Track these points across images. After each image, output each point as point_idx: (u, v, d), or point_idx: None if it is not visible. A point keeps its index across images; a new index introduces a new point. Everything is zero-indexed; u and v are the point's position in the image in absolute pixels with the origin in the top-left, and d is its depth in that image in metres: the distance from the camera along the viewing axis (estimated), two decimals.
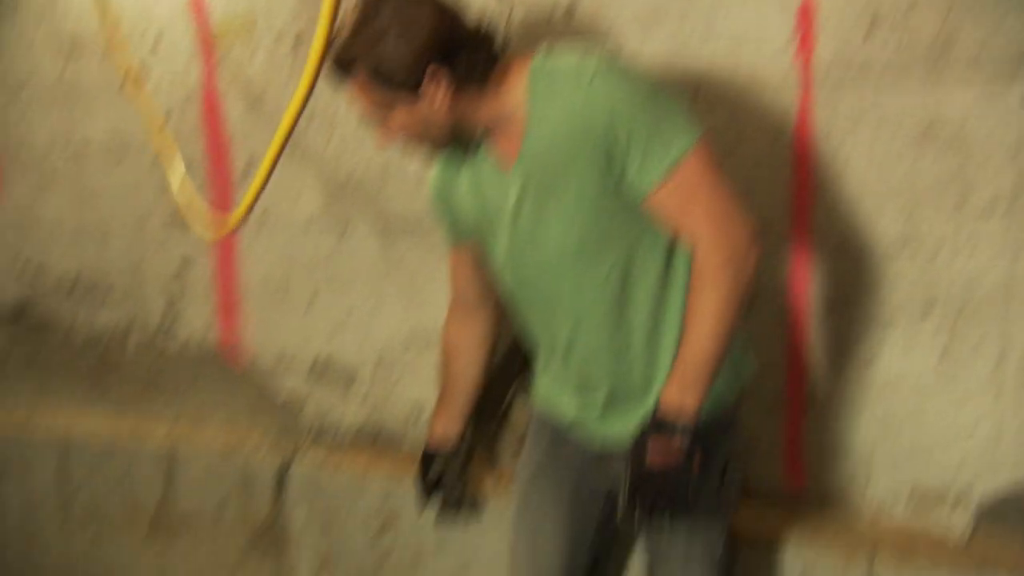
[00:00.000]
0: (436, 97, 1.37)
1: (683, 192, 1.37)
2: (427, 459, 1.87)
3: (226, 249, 2.21)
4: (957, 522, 1.77)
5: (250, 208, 1.78)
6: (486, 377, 1.88)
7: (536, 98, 1.42)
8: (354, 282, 2.09)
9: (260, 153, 2.03)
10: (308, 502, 2.14)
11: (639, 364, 1.53)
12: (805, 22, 1.65)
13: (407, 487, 2.00)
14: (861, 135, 1.66)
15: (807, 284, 1.77)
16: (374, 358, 2.13)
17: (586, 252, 1.49)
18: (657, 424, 1.38)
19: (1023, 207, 1.60)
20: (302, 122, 1.88)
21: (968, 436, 1.74)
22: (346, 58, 1.37)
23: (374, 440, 2.17)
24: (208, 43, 2.11)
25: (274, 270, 2.19)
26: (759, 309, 1.76)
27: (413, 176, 2.00)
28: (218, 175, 2.17)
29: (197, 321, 2.30)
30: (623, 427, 1.54)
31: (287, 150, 1.91)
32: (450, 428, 1.83)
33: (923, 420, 1.76)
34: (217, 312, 2.28)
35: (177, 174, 2.04)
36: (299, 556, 2.18)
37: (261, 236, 2.17)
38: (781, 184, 1.74)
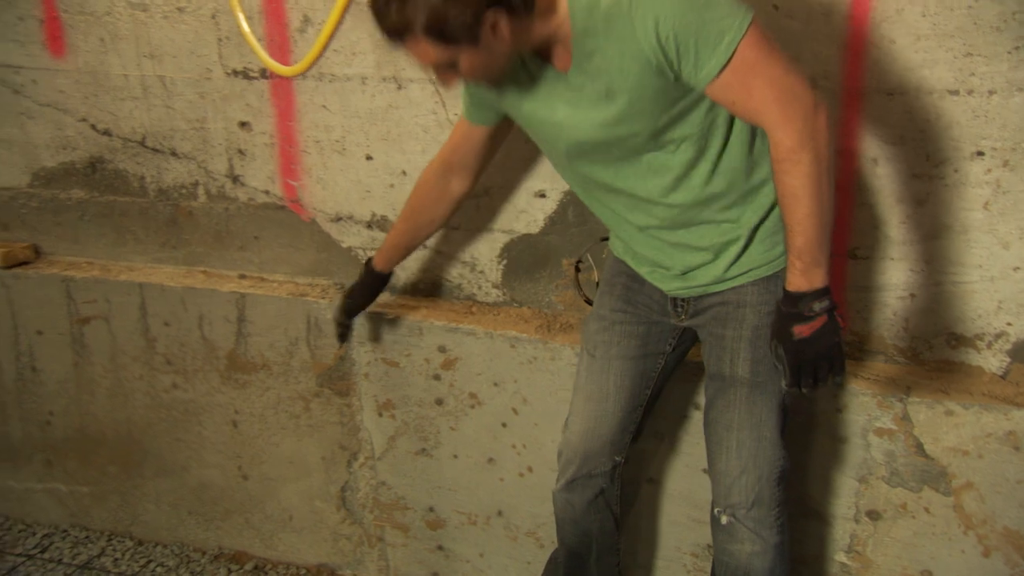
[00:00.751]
0: (495, 40, 1.37)
1: (741, 80, 1.37)
2: (367, 281, 2.02)
3: (285, 105, 2.21)
4: (992, 362, 1.80)
5: (317, 58, 1.80)
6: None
7: (576, 11, 1.42)
8: (409, 138, 2.10)
9: (315, 12, 2.07)
10: (371, 345, 2.18)
11: (710, 245, 1.59)
12: None
13: (463, 334, 2.09)
14: None
15: (858, 129, 1.75)
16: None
17: (654, 140, 1.51)
18: (792, 313, 1.43)
19: None
20: None
21: (1007, 279, 1.75)
22: (401, 25, 1.35)
23: (429, 292, 2.24)
24: None
25: (333, 127, 2.19)
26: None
27: None
28: (274, 30, 2.14)
29: (260, 176, 2.31)
30: (694, 284, 1.63)
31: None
32: (389, 264, 1.98)
33: (964, 264, 1.77)
34: (278, 167, 2.29)
35: (241, 26, 2.06)
36: (363, 395, 2.24)
37: (318, 93, 2.17)
38: (837, 30, 1.71)
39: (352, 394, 2.26)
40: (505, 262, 2.12)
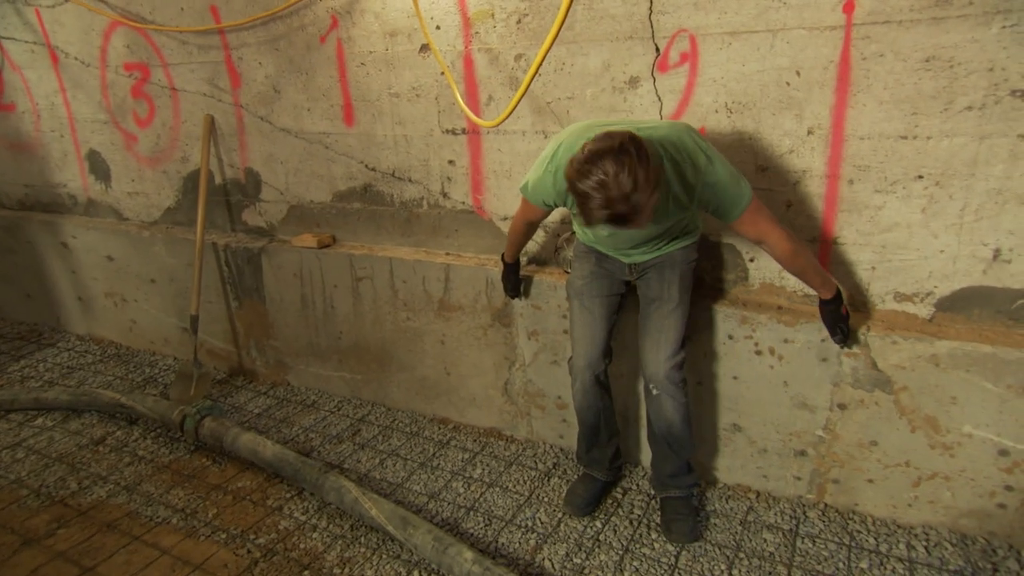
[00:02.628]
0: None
1: (752, 221, 1.62)
2: (509, 268, 2.14)
3: (475, 149, 2.30)
4: (923, 311, 1.82)
5: (504, 119, 1.89)
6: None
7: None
8: None
9: (495, 92, 2.17)
10: (524, 296, 2.27)
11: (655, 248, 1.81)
12: None
13: None
14: (883, 64, 1.65)
15: (840, 161, 1.79)
16: (558, 217, 2.21)
17: (664, 228, 1.72)
18: (832, 307, 1.75)
19: (990, 109, 1.57)
20: (519, 70, 2.06)
21: (935, 258, 1.76)
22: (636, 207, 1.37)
23: (559, 263, 2.30)
24: (467, 24, 2.14)
25: (504, 162, 2.26)
26: (809, 194, 1.83)
27: (590, 100, 2.04)
28: (471, 104, 2.22)
29: (460, 193, 2.39)
30: (644, 259, 1.84)
31: (507, 87, 2.07)
32: (512, 258, 2.13)
33: (907, 248, 1.78)
34: (470, 187, 2.37)
35: (458, 99, 2.13)
36: (519, 326, 2.33)
37: (495, 141, 2.24)
38: (826, 95, 1.73)
39: (512, 326, 2.34)
40: None
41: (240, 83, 2.71)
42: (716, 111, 1.90)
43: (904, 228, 1.78)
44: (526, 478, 2.28)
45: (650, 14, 1.89)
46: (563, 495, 2.14)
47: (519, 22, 2.09)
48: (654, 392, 1.83)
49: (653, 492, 2.11)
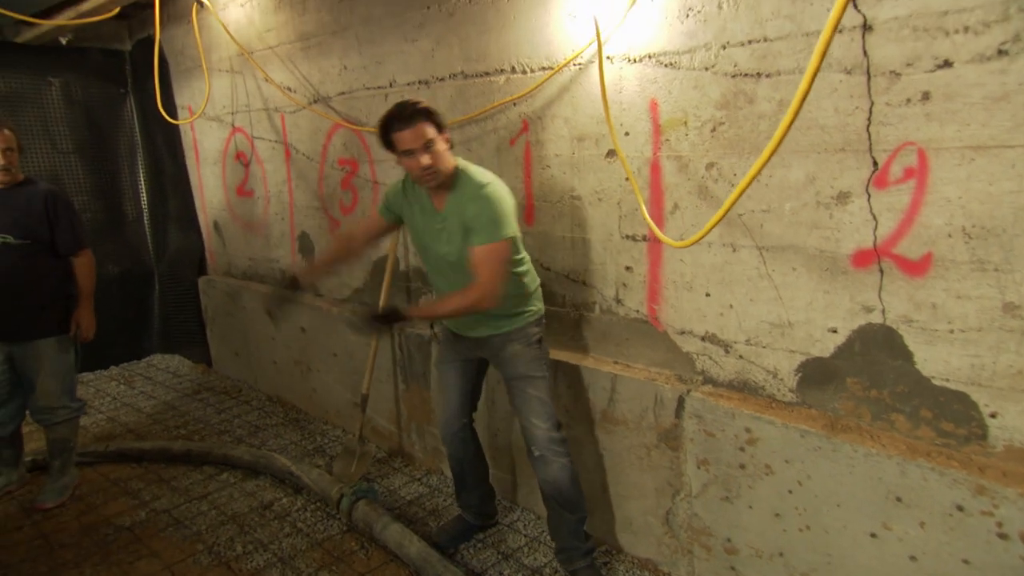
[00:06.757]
0: (446, 144, 1.95)
1: (483, 257, 1.93)
2: (294, 279, 2.25)
3: (655, 258, 2.23)
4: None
5: (704, 235, 1.70)
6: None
7: (457, 182, 2.01)
8: (737, 284, 2.05)
9: (681, 200, 2.10)
10: (697, 419, 2.12)
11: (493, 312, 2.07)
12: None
13: (763, 423, 1.95)
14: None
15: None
16: (743, 337, 2.07)
17: (461, 259, 2.00)
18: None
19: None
20: (721, 180, 1.97)
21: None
22: (415, 112, 1.89)
23: (740, 388, 2.12)
24: (657, 131, 2.12)
25: (685, 273, 2.17)
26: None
27: (788, 214, 1.93)
28: (654, 212, 2.18)
29: (634, 300, 2.32)
30: (483, 333, 2.16)
31: (698, 195, 1.99)
32: (315, 278, 2.43)
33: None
34: (646, 296, 2.29)
35: (642, 207, 2.09)
36: (688, 453, 2.19)
37: (679, 251, 2.15)
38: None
39: (680, 450, 2.20)
40: (800, 375, 1.99)
41: None
42: (949, 235, 1.62)
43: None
44: None
45: (868, 124, 1.70)
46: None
47: (713, 130, 2.02)
48: (536, 453, 2.08)
49: (559, 567, 2.27)
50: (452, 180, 2.03)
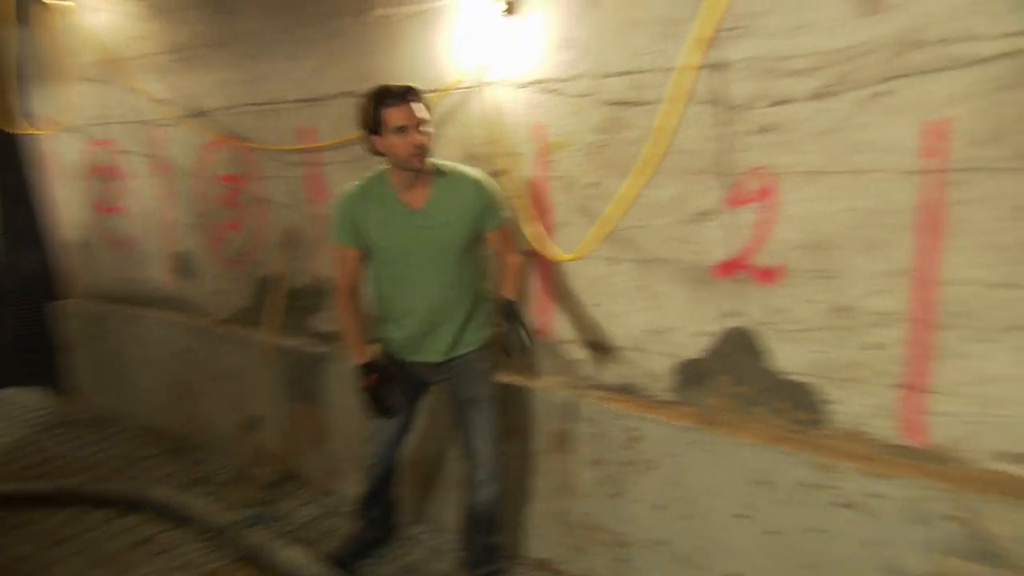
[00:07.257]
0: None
1: (507, 235, 2.10)
2: (370, 367, 2.06)
3: (545, 272, 2.29)
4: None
5: (589, 249, 1.91)
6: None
7: (438, 175, 1.94)
8: (619, 295, 2.17)
9: (566, 217, 2.19)
10: (587, 422, 2.21)
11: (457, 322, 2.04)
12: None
13: (647, 421, 2.07)
14: (975, 210, 1.60)
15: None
16: (629, 343, 2.17)
17: (458, 248, 1.98)
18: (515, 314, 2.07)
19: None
20: (601, 198, 2.10)
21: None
22: (411, 91, 1.83)
23: (626, 391, 2.22)
24: (544, 153, 2.20)
25: (573, 286, 2.24)
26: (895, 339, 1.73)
27: (659, 229, 2.06)
28: (543, 228, 2.24)
29: (526, 314, 2.33)
30: (454, 354, 2.09)
31: (580, 216, 2.11)
32: (368, 352, 2.09)
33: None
34: (536, 309, 2.33)
35: (528, 228, 2.17)
36: (581, 455, 2.26)
37: (567, 265, 2.24)
38: (911, 239, 1.70)
39: (574, 452, 2.23)
40: (678, 376, 2.12)
41: (324, 195, 2.87)
42: (796, 247, 1.87)
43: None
44: None
45: (725, 150, 1.91)
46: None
47: (594, 153, 2.14)
48: (480, 477, 2.06)
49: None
50: (431, 174, 1.94)
